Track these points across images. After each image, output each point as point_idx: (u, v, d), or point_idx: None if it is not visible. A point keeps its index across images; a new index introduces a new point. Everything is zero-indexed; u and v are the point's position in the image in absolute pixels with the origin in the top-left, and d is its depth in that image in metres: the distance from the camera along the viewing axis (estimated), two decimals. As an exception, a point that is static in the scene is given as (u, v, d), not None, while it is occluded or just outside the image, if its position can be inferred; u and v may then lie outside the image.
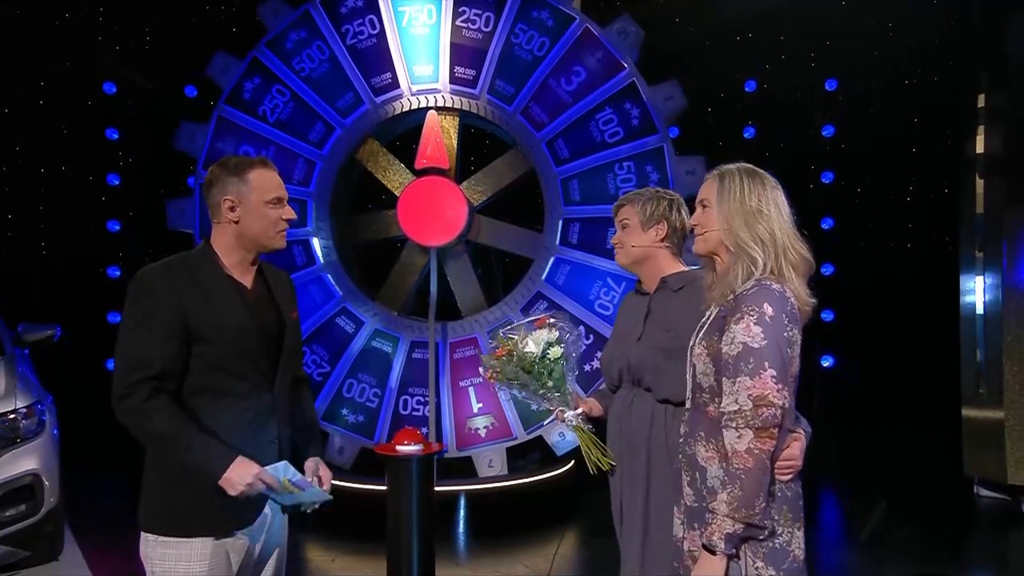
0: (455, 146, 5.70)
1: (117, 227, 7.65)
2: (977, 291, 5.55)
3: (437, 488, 5.12)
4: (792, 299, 1.80)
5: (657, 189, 2.44)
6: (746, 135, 7.49)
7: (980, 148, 5.51)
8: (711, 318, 1.92)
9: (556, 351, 2.29)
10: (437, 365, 5.41)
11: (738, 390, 1.74)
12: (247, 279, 2.13)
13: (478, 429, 5.43)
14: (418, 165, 5.47)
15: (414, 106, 5.63)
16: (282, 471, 2.00)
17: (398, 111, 5.64)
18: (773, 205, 1.87)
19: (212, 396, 2.01)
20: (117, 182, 7.77)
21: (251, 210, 2.08)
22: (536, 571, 4.38)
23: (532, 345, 2.28)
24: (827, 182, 7.52)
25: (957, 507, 5.59)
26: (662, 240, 2.35)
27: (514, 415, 5.43)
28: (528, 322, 2.43)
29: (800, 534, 1.85)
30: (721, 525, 1.73)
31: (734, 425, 1.75)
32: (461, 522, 5.31)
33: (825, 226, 7.37)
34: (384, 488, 5.11)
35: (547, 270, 5.51)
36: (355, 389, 5.53)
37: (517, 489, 5.32)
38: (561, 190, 5.52)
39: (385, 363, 5.54)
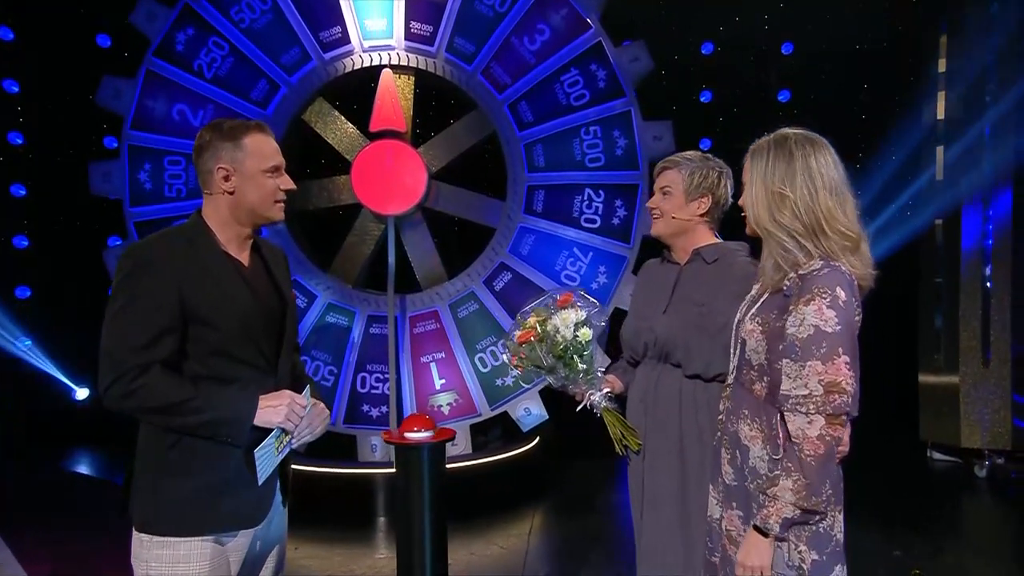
0: (411, 108, 5.54)
1: (23, 192, 7.15)
2: (936, 258, 5.82)
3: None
4: (855, 282, 1.80)
5: (707, 156, 2.34)
6: (703, 99, 7.56)
7: (940, 115, 5.74)
8: (767, 295, 1.89)
9: (586, 333, 2.24)
10: (396, 340, 5.31)
11: (808, 375, 1.72)
12: (244, 256, 2.03)
13: (441, 406, 5.37)
14: (373, 128, 5.28)
15: (366, 63, 5.42)
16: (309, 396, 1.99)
17: (348, 69, 5.42)
18: (802, 181, 1.81)
19: (213, 384, 1.90)
20: (20, 141, 7.24)
21: (248, 179, 1.97)
22: (512, 550, 4.40)
23: (563, 329, 2.22)
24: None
25: (911, 470, 5.91)
26: (703, 214, 2.30)
27: (478, 391, 5.39)
28: (546, 301, 2.36)
29: (840, 517, 1.87)
30: (781, 510, 1.73)
31: (804, 410, 1.72)
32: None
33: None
34: (343, 471, 5.11)
35: (511, 240, 5.45)
36: (309, 367, 5.37)
37: (483, 468, 5.30)
38: (525, 155, 5.45)
39: (341, 339, 5.40)
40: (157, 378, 1.82)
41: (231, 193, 1.97)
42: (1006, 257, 5.63)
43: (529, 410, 5.40)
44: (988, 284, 5.69)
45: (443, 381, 5.41)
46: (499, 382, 5.42)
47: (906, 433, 6.28)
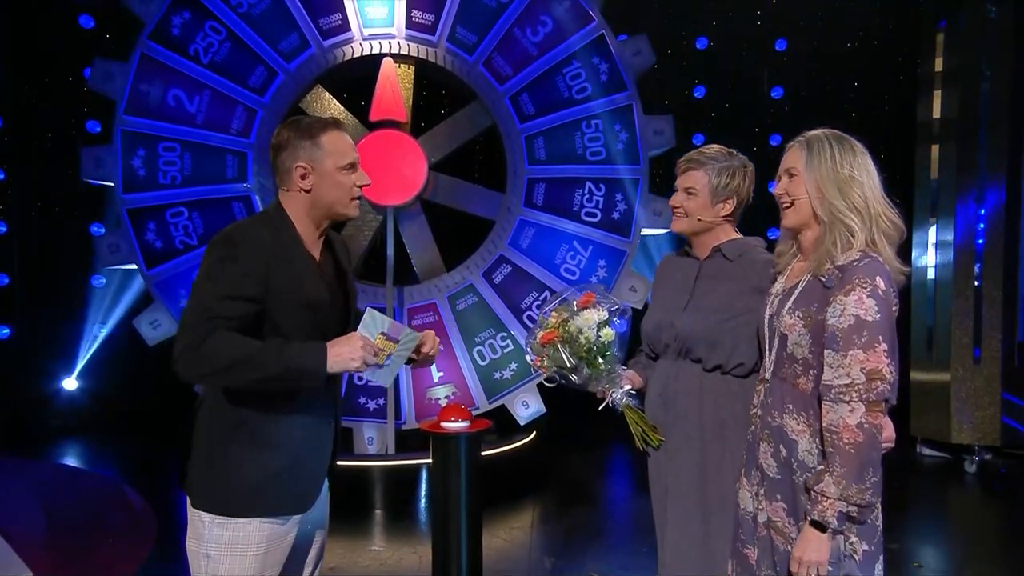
0: (411, 98, 5.62)
1: (1, 176, 7.10)
2: (929, 256, 6.03)
3: (395, 462, 5.23)
4: (890, 272, 1.92)
5: (730, 152, 2.37)
6: (696, 95, 7.71)
7: (936, 113, 5.94)
8: (803, 287, 1.97)
9: (608, 333, 2.29)
10: (394, 332, 5.38)
11: (850, 363, 1.81)
12: (316, 251, 2.09)
13: (439, 399, 5.47)
14: (373, 117, 5.35)
15: (366, 52, 5.50)
16: (372, 326, 1.95)
17: (348, 56, 5.49)
18: (864, 171, 1.92)
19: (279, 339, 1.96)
20: (-1, 124, 7.21)
21: (325, 177, 2.03)
22: (516, 543, 4.51)
23: (585, 330, 2.27)
24: (775, 144, 7.87)
25: (901, 466, 6.12)
26: (728, 215, 2.36)
27: (476, 384, 5.50)
28: (565, 299, 2.39)
29: (879, 508, 1.99)
30: (834, 504, 1.81)
31: (847, 399, 1.81)
32: (423, 498, 5.36)
33: (772, 190, 7.74)
34: (339, 463, 5.17)
35: (511, 233, 5.56)
36: (306, 359, 5.44)
37: (480, 461, 5.39)
38: (525, 148, 5.56)
39: (338, 331, 5.47)
40: (223, 336, 1.86)
41: (308, 191, 2.03)
42: (998, 256, 5.86)
43: (527, 404, 5.52)
44: (978, 283, 5.92)
45: (441, 374, 5.50)
46: (497, 375, 5.53)
47: (896, 429, 6.49)
